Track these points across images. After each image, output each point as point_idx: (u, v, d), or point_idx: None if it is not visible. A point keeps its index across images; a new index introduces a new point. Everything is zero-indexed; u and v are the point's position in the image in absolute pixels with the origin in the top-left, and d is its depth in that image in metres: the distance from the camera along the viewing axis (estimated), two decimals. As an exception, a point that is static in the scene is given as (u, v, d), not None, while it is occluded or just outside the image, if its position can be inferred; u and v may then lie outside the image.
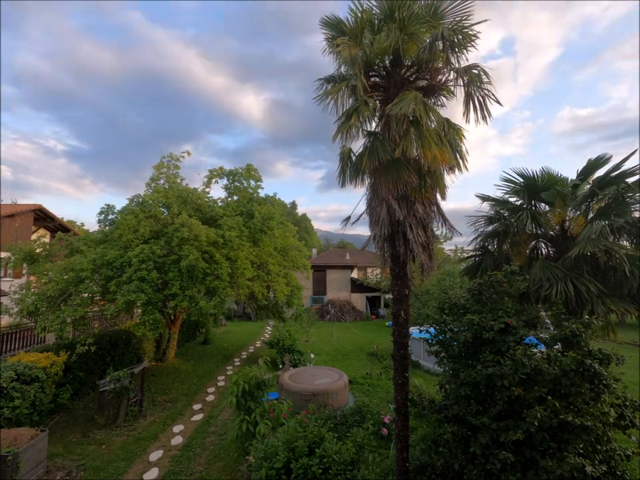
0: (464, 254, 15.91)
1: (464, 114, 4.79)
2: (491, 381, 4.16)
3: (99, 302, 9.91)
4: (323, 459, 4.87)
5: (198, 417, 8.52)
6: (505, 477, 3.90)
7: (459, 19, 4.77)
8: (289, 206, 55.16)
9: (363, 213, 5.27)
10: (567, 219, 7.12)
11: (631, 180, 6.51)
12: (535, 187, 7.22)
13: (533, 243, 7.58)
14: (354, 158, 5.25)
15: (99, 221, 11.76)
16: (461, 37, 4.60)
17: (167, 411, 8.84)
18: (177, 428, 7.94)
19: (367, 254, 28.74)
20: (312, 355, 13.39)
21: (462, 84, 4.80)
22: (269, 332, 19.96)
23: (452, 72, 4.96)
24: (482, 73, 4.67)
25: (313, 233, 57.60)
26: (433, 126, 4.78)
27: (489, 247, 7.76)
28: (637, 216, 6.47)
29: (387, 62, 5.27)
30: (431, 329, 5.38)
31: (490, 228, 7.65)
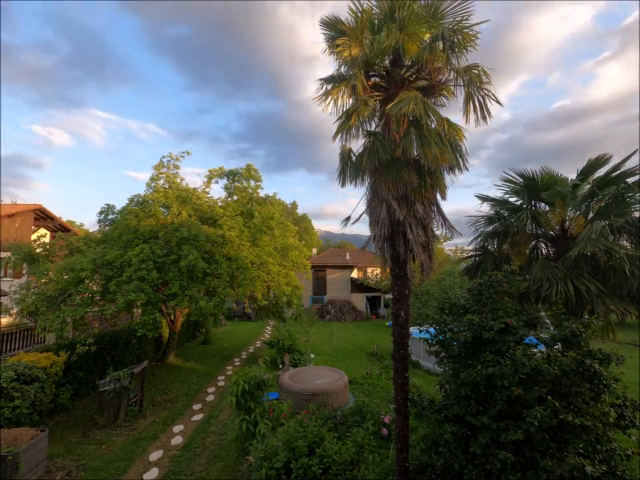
0: (464, 254, 15.93)
1: (464, 114, 4.78)
2: (491, 381, 4.16)
3: (99, 302, 9.92)
4: (323, 458, 4.87)
5: (198, 417, 8.53)
6: (504, 477, 3.90)
7: (459, 19, 4.77)
8: (289, 206, 55.19)
9: (363, 213, 5.27)
10: (567, 218, 7.12)
11: (631, 180, 6.51)
12: (535, 187, 7.21)
13: (533, 242, 7.58)
14: (354, 158, 5.25)
15: (99, 221, 11.82)
16: (460, 37, 4.59)
17: (166, 411, 8.85)
18: (177, 428, 7.94)
19: (367, 254, 28.72)
20: (312, 355, 13.38)
21: (462, 84, 4.80)
22: (269, 332, 19.98)
23: (452, 72, 4.95)
24: (482, 73, 4.67)
25: (313, 232, 57.62)
26: (433, 126, 4.78)
27: (489, 247, 7.75)
28: (637, 216, 6.47)
29: (387, 62, 5.27)
30: (431, 329, 5.38)
31: (490, 228, 7.64)
